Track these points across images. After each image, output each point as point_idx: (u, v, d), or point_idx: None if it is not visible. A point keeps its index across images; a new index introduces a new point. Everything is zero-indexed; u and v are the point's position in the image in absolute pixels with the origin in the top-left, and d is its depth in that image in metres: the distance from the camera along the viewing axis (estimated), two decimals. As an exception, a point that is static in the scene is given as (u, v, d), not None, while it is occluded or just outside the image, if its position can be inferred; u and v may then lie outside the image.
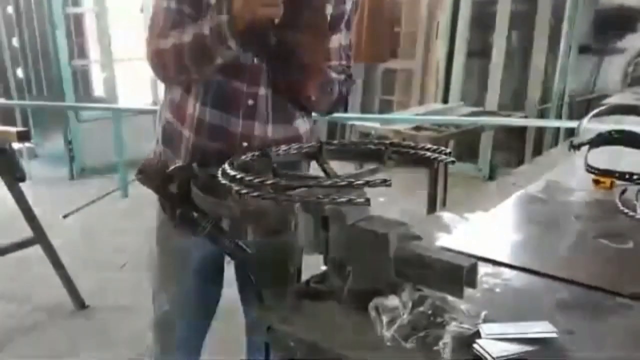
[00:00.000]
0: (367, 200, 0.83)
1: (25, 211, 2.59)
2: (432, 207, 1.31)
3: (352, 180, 0.88)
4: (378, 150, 1.21)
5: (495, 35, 4.80)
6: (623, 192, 1.34)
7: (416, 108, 4.32)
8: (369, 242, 0.83)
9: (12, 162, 2.51)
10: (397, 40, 5.50)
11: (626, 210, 1.23)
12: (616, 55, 4.36)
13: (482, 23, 4.91)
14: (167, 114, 1.31)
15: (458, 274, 0.76)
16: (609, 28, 4.34)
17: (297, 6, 1.12)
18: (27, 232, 2.65)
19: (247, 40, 1.13)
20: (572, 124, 2.43)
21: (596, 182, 1.45)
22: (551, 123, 4.11)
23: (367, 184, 0.86)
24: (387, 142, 1.23)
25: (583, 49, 4.48)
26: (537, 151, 4.62)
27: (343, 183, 0.88)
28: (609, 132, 1.50)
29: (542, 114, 4.66)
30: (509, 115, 3.95)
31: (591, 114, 1.80)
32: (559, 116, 4.53)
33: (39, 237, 2.64)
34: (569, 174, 1.56)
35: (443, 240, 1.08)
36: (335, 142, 1.29)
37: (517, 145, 4.70)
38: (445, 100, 5.02)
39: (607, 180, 1.42)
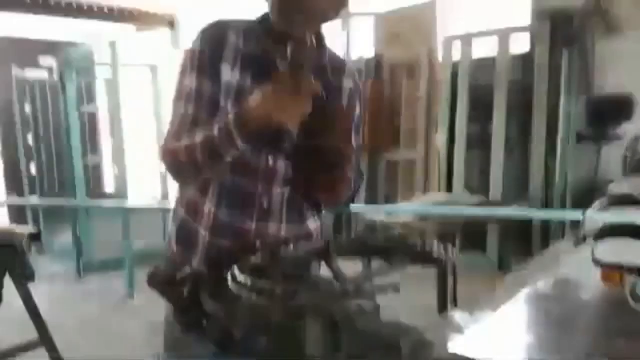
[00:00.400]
0: (377, 308, 0.83)
1: (31, 311, 2.57)
2: (442, 305, 1.30)
3: (361, 285, 0.89)
4: (386, 248, 1.23)
5: (494, 126, 4.94)
6: (634, 286, 1.33)
7: (421, 198, 4.37)
8: (381, 349, 0.83)
9: (23, 262, 2.53)
10: (398, 132, 5.67)
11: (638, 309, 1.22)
12: (614, 143, 4.46)
13: (481, 113, 5.07)
14: (182, 213, 1.34)
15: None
16: (604, 116, 4.46)
17: (320, 109, 1.13)
18: (32, 332, 2.61)
19: (259, 140, 1.16)
20: (575, 214, 2.44)
21: (605, 276, 1.43)
22: (555, 214, 4.13)
23: (376, 290, 0.87)
24: (395, 238, 1.24)
25: (581, 138, 4.58)
26: (545, 239, 4.61)
27: (352, 289, 0.89)
28: (615, 224, 1.50)
29: (546, 202, 4.69)
30: (513, 205, 3.98)
31: (595, 205, 1.81)
32: (563, 204, 4.55)
33: (44, 338, 2.60)
34: (577, 268, 1.55)
35: (455, 344, 1.07)
36: (343, 240, 1.31)
37: (524, 234, 4.69)
38: (449, 188, 5.09)
39: (616, 274, 1.41)
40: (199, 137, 1.17)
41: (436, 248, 1.13)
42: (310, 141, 1.18)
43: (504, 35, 4.90)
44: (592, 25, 4.46)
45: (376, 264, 1.29)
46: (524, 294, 1.38)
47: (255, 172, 1.26)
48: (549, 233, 4.62)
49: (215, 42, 1.24)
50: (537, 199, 4.70)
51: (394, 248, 1.21)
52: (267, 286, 0.92)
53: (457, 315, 1.25)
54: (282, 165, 1.27)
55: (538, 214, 3.96)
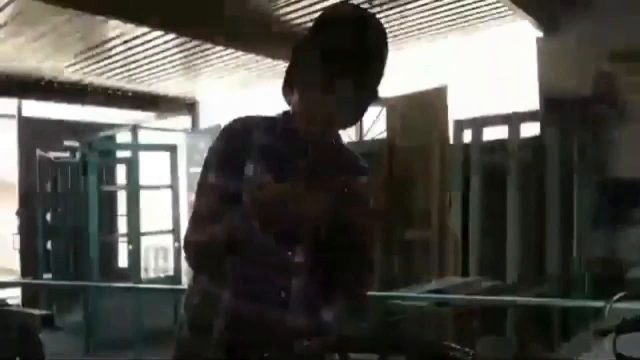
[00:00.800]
0: None
1: (39, 397, 2.52)
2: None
3: None
4: (400, 344, 1.22)
5: (509, 209, 4.94)
6: None
7: (437, 281, 4.32)
8: None
9: (34, 344, 2.51)
10: (411, 214, 5.67)
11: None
12: (631, 227, 4.43)
13: (495, 197, 5.08)
14: (196, 301, 1.34)
15: None
16: (620, 200, 4.46)
17: (346, 205, 1.13)
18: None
19: (278, 227, 1.17)
20: (596, 303, 2.40)
21: None
22: (572, 303, 4.04)
23: None
24: (411, 336, 1.23)
25: (597, 222, 4.56)
26: (565, 325, 4.47)
27: None
28: (637, 317, 1.47)
29: (564, 287, 4.60)
30: (529, 288, 3.91)
31: (616, 297, 1.77)
32: (581, 289, 4.46)
33: None
34: None
35: None
36: (356, 335, 1.30)
37: (543, 319, 4.56)
38: (465, 271, 5.01)
39: None
40: (220, 229, 1.21)
41: (452, 349, 1.12)
42: (335, 238, 1.18)
43: (513, 121, 5.01)
44: (602, 112, 4.56)
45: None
46: None
47: (275, 264, 1.28)
48: (569, 319, 4.49)
49: (238, 140, 1.29)
50: (554, 282, 4.61)
51: (410, 346, 1.20)
52: None
53: None
54: (302, 258, 1.28)
55: (557, 303, 3.87)
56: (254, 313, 1.27)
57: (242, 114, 1.38)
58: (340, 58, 1.19)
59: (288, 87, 1.33)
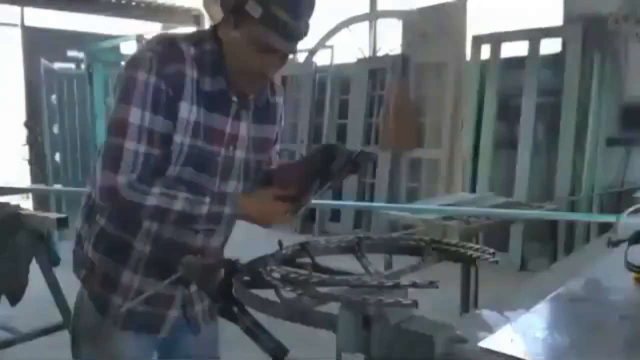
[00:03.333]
0: (415, 303, 0.82)
1: (56, 296, 2.61)
2: (465, 305, 1.27)
3: (399, 281, 0.88)
4: (418, 246, 1.21)
5: (521, 127, 4.87)
6: None
7: (445, 197, 4.33)
8: (414, 344, 0.82)
9: (49, 247, 2.57)
10: (423, 130, 5.63)
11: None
12: (645, 148, 4.38)
13: (508, 115, 5.01)
14: (107, 224, 1.35)
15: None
16: (635, 121, 4.37)
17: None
18: (56, 315, 2.65)
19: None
20: (608, 218, 2.40)
21: (638, 280, 1.41)
22: (584, 217, 4.05)
23: (414, 285, 0.86)
24: (427, 238, 1.23)
25: (610, 142, 4.50)
26: (569, 241, 4.53)
27: (390, 284, 0.88)
28: None
29: (572, 206, 4.61)
30: (539, 207, 3.92)
31: (630, 209, 1.77)
32: (589, 208, 4.48)
33: (67, 321, 2.63)
34: (608, 271, 1.52)
35: (486, 341, 1.05)
36: (374, 236, 1.30)
37: (548, 235, 4.62)
38: (473, 189, 5.03)
39: None
40: (178, 204, 1.23)
41: (471, 249, 1.11)
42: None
43: (534, 38, 4.83)
44: (625, 30, 4.37)
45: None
46: (555, 294, 1.35)
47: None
48: (573, 236, 4.55)
49: (173, 80, 1.22)
50: (563, 201, 4.62)
51: (427, 246, 1.19)
52: (302, 277, 0.92)
53: (486, 314, 1.23)
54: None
55: (566, 216, 3.89)
56: (180, 236, 1.34)
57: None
58: (282, 26, 1.19)
59: (219, 6, 1.26)
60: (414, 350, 0.82)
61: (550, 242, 4.56)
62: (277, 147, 1.51)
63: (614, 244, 1.53)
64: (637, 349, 1.05)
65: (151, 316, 1.36)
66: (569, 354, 1.04)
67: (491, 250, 1.12)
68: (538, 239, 4.71)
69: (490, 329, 1.13)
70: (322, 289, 0.91)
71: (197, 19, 7.51)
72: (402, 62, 5.63)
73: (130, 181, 1.21)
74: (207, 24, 7.60)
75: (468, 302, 2.28)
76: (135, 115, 1.20)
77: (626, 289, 1.37)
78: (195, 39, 1.28)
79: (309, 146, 6.11)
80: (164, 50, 1.23)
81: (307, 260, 1.14)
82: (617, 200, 4.38)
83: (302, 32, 1.24)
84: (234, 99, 1.30)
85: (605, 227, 3.51)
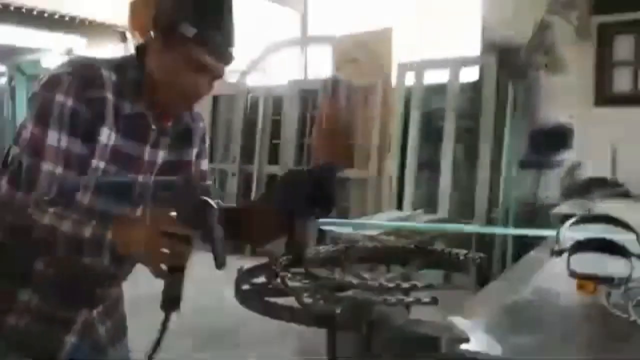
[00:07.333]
0: (435, 300, 0.87)
1: None
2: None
3: (415, 283, 0.93)
4: (404, 253, 1.30)
5: (443, 149, 5.23)
6: (608, 294, 1.49)
7: (377, 216, 4.55)
8: (418, 346, 0.86)
9: None
10: (352, 151, 5.85)
11: (618, 314, 1.33)
12: (554, 169, 4.85)
13: (431, 137, 5.35)
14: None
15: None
16: (545, 145, 4.85)
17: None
18: None
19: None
20: (548, 231, 2.65)
21: (580, 285, 1.60)
22: (527, 232, 4.31)
23: (430, 286, 0.95)
24: (412, 245, 1.33)
25: (523, 164, 4.94)
26: (489, 255, 4.88)
27: (406, 286, 0.92)
28: (589, 239, 1.66)
29: (490, 222, 4.99)
30: (468, 223, 4.21)
31: (570, 222, 1.96)
32: (506, 223, 4.87)
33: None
34: (552, 279, 1.70)
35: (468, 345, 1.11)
36: (361, 245, 1.38)
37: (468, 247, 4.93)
38: (399, 207, 5.30)
39: (590, 284, 1.58)
40: (66, 225, 1.11)
41: (462, 254, 1.21)
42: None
43: (454, 66, 5.22)
44: (537, 61, 4.85)
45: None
46: (509, 300, 1.47)
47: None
48: (492, 249, 4.90)
49: (93, 105, 1.18)
50: (482, 219, 4.99)
51: (413, 253, 1.30)
52: (314, 281, 0.96)
53: (457, 320, 1.32)
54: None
55: (512, 232, 4.12)
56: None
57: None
58: (215, 47, 1.20)
59: (143, 27, 1.29)
60: (418, 352, 0.85)
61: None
62: (204, 163, 1.46)
63: (557, 253, 1.73)
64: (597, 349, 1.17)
65: (46, 340, 1.27)
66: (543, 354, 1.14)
67: (479, 254, 1.22)
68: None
69: (464, 335, 1.20)
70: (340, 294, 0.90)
71: (122, 35, 7.35)
72: (332, 84, 5.85)
73: (38, 200, 1.14)
74: (132, 41, 7.46)
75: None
76: (52, 137, 1.15)
77: (570, 293, 1.56)
78: (116, 65, 1.24)
79: (240, 164, 6.16)
80: (84, 74, 1.18)
81: (300, 270, 1.10)
82: (531, 216, 4.82)
83: (231, 56, 1.25)
84: (153, 127, 1.27)
85: (522, 242, 3.85)
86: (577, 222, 1.96)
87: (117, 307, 1.40)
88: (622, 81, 4.75)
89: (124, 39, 7.36)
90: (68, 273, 1.22)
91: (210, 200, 1.16)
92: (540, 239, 2.53)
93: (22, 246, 1.22)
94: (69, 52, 5.23)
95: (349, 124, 5.83)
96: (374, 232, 3.29)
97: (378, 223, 3.46)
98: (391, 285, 0.93)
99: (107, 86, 1.19)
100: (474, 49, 5.27)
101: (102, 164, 1.21)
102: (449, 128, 5.21)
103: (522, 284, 1.65)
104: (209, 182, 1.48)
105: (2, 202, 1.16)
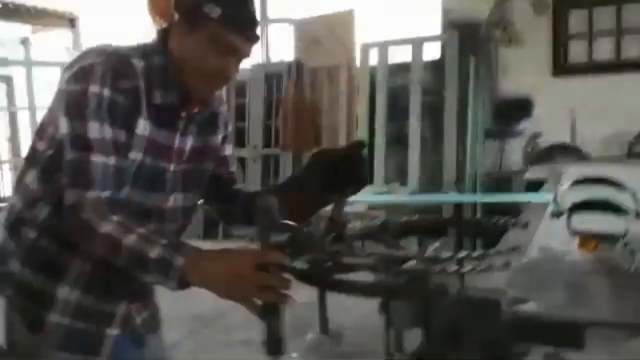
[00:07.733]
0: (508, 264, 0.97)
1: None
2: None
3: (486, 251, 1.01)
4: (440, 225, 1.41)
5: (410, 124, 5.40)
6: (609, 249, 1.64)
7: (366, 189, 4.66)
8: (480, 310, 0.91)
9: None
10: (320, 131, 5.94)
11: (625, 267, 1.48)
12: (516, 138, 5.11)
13: (398, 114, 5.51)
14: (39, 237, 1.23)
15: (577, 329, 0.89)
16: (507, 115, 5.09)
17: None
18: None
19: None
20: (543, 194, 2.79)
21: (581, 243, 1.75)
22: (520, 197, 4.37)
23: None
24: (448, 217, 1.45)
25: (488, 134, 5.18)
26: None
27: (462, 255, 0.97)
28: (589, 200, 1.79)
29: (458, 190, 5.23)
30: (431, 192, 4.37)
31: (568, 183, 2.08)
32: (473, 191, 5.11)
33: None
34: (554, 239, 1.85)
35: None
36: (399, 220, 1.44)
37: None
38: (370, 182, 5.45)
39: (592, 242, 1.73)
40: (130, 240, 1.08)
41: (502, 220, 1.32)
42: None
43: (417, 44, 5.37)
44: (495, 35, 5.06)
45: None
46: (518, 262, 1.59)
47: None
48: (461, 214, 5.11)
49: (129, 95, 1.16)
50: (451, 189, 5.21)
51: (449, 224, 1.42)
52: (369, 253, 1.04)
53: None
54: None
55: (510, 198, 4.07)
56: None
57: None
58: (241, 26, 1.18)
59: (164, 10, 1.33)
60: (480, 317, 0.90)
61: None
62: (229, 148, 1.46)
63: (557, 214, 1.88)
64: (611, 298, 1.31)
65: (89, 335, 1.27)
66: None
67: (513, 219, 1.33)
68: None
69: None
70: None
71: (72, 22, 7.10)
72: (296, 66, 5.90)
73: (99, 198, 1.11)
74: (81, 27, 7.22)
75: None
76: (94, 129, 1.13)
77: (573, 250, 1.71)
78: (143, 53, 1.21)
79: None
80: (116, 64, 1.16)
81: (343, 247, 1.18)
82: (496, 183, 5.08)
83: (257, 35, 1.23)
84: (183, 114, 1.26)
85: (490, 210, 4.02)
86: (574, 184, 2.13)
87: (151, 298, 1.42)
88: (577, 52, 5.04)
89: (73, 24, 7.13)
90: (107, 268, 1.18)
91: (292, 223, 1.11)
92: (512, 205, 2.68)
93: (60, 244, 1.21)
94: (24, 41, 5.01)
95: (315, 105, 5.91)
96: (361, 209, 3.41)
97: (382, 199, 3.58)
98: (446, 255, 0.99)
99: (139, 75, 1.17)
100: (435, 27, 5.43)
101: (139, 156, 1.19)
102: (415, 104, 5.38)
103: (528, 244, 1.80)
104: (232, 169, 1.47)
105: (65, 204, 1.12)
